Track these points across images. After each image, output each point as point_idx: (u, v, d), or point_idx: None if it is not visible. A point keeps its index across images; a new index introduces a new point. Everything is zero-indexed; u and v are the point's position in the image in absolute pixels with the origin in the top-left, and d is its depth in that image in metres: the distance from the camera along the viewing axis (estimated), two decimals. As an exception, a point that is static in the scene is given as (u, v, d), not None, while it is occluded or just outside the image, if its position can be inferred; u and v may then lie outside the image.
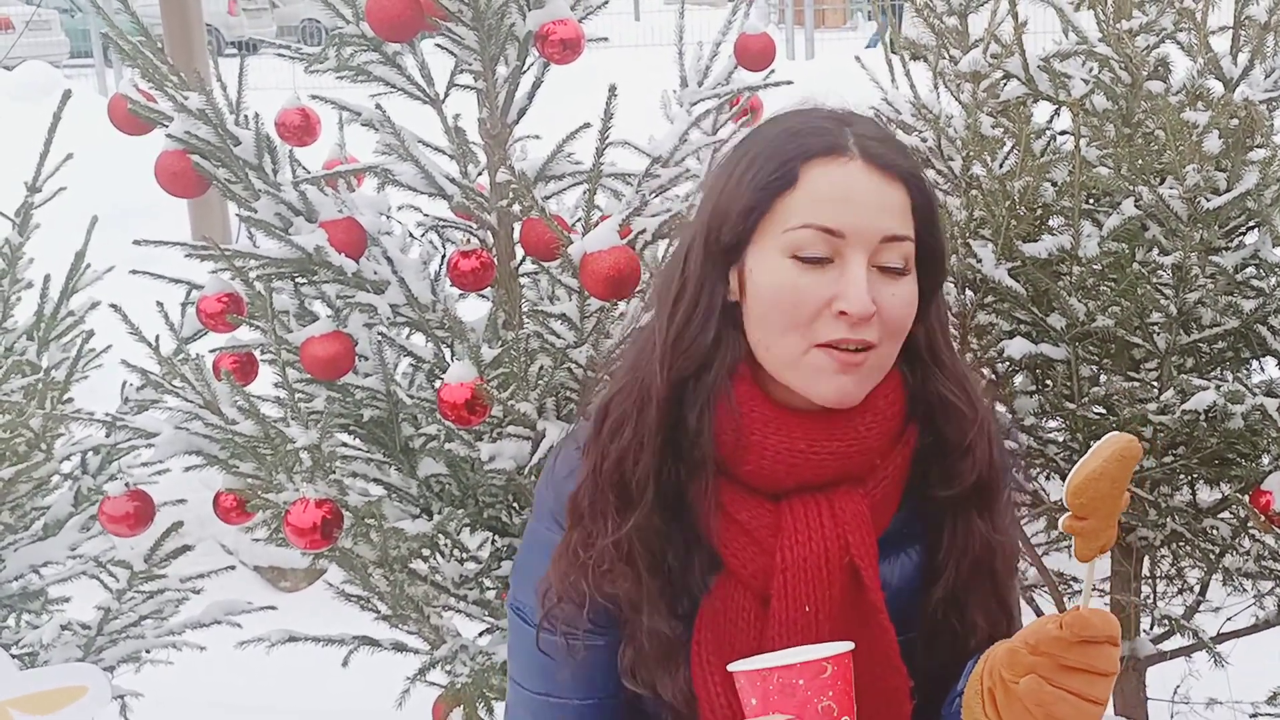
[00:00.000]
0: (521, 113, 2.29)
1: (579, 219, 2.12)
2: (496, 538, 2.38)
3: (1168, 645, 2.42)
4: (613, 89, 2.05)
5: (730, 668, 1.22)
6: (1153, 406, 2.06)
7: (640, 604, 1.32)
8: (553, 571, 1.36)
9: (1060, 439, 2.29)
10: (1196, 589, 2.46)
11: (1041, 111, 2.33)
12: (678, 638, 1.32)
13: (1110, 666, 1.15)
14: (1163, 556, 2.43)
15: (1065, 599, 2.56)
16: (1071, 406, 2.17)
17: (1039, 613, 2.44)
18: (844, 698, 1.18)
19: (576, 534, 1.35)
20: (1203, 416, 2.03)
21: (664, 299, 1.34)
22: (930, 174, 2.33)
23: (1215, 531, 2.28)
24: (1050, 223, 2.20)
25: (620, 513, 1.32)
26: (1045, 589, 2.50)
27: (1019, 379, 2.33)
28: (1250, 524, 2.17)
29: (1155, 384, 2.15)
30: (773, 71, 2.50)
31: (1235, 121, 2.00)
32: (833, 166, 1.25)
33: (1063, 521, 1.14)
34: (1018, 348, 2.13)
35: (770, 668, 1.18)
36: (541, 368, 2.20)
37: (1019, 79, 2.16)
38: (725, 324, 1.30)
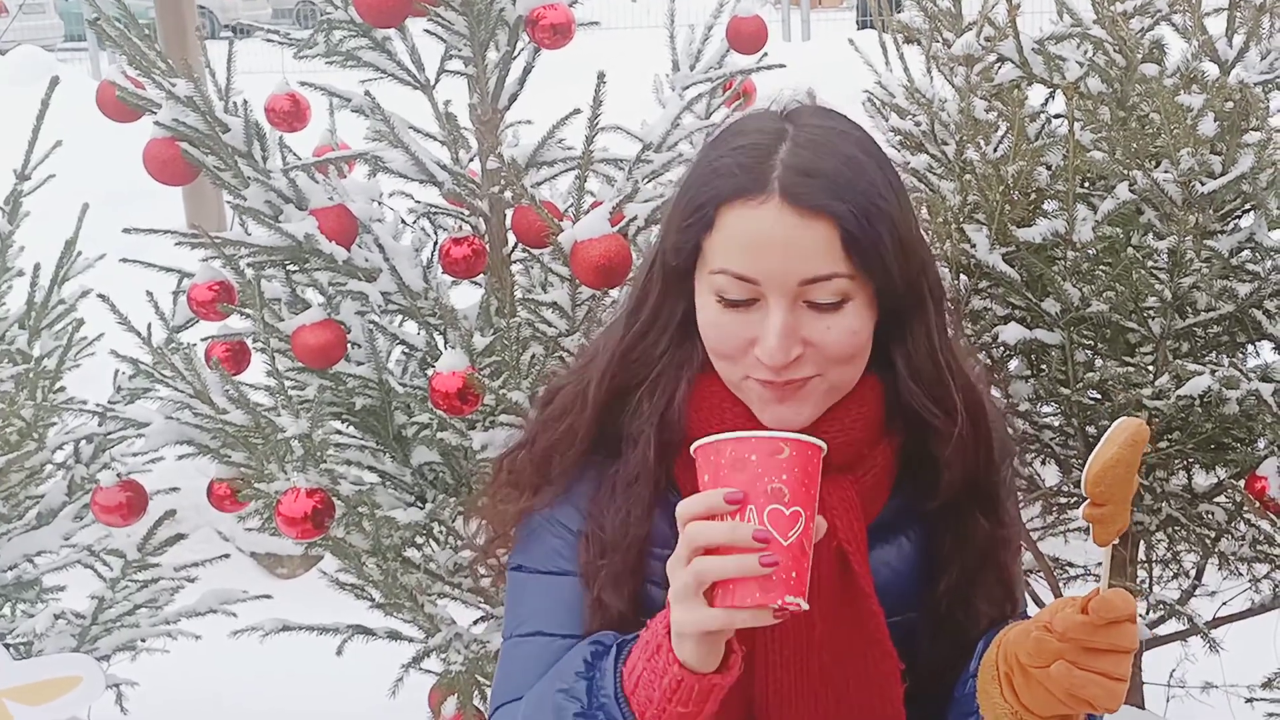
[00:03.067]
0: (513, 98, 2.28)
1: (571, 205, 2.11)
2: (490, 525, 2.38)
3: (1163, 630, 2.42)
4: (601, 75, 2.03)
5: (692, 446, 1.18)
6: (1148, 391, 2.05)
7: (593, 577, 1.32)
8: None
9: (1055, 424, 2.29)
10: (1192, 573, 2.46)
11: (1036, 95, 2.32)
12: (632, 616, 1.30)
13: (1132, 643, 1.15)
14: (1158, 541, 2.42)
15: (1061, 584, 2.56)
16: (1066, 392, 2.16)
17: (1035, 599, 2.44)
18: (800, 489, 1.12)
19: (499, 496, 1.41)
20: (1198, 401, 2.02)
21: (628, 307, 1.37)
22: (923, 158, 2.32)
23: (1211, 516, 2.28)
24: (1044, 207, 2.19)
25: (535, 492, 1.37)
26: (1041, 574, 2.49)
27: (1014, 364, 2.32)
28: (1245, 509, 2.17)
29: (1150, 369, 2.14)
30: (765, 54, 2.48)
31: (1230, 104, 1.99)
32: (747, 211, 1.21)
33: (1083, 510, 1.14)
34: (1012, 333, 2.13)
35: (724, 439, 1.14)
36: (533, 356, 2.19)
37: (1013, 62, 2.15)
38: (687, 335, 1.31)
